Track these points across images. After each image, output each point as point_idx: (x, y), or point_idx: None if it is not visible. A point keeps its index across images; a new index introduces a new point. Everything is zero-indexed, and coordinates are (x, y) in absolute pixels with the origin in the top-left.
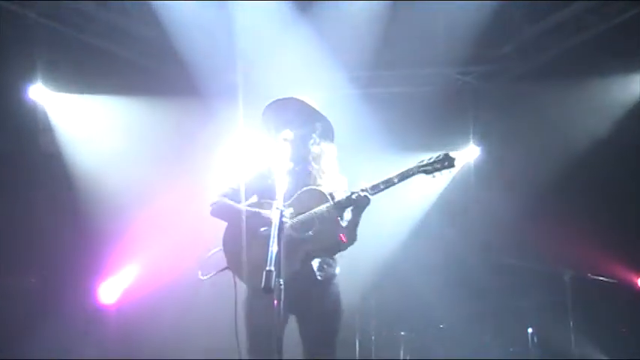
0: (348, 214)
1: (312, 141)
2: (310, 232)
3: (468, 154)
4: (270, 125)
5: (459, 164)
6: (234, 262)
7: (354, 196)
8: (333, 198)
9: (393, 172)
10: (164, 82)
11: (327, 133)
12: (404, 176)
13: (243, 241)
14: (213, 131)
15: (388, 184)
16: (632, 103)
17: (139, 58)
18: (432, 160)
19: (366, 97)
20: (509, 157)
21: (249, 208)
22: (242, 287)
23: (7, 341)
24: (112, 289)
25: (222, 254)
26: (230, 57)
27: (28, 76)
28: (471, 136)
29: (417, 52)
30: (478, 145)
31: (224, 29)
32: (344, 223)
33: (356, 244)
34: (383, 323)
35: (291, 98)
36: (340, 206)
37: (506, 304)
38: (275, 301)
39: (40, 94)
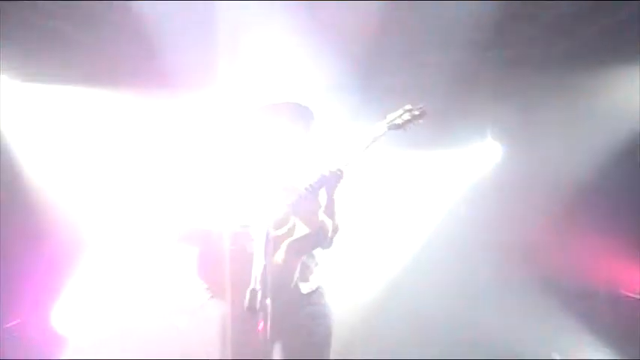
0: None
1: (302, 149)
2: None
3: (485, 152)
4: (258, 129)
5: (475, 165)
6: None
7: (326, 173)
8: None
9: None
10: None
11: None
12: (375, 137)
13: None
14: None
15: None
16: None
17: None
18: (400, 113)
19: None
20: (539, 157)
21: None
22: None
23: None
24: (69, 310)
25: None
26: (207, 39)
27: None
28: (488, 130)
29: (417, 36)
30: (498, 142)
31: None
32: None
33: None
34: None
35: (290, 104)
36: (314, 188)
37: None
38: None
39: None
